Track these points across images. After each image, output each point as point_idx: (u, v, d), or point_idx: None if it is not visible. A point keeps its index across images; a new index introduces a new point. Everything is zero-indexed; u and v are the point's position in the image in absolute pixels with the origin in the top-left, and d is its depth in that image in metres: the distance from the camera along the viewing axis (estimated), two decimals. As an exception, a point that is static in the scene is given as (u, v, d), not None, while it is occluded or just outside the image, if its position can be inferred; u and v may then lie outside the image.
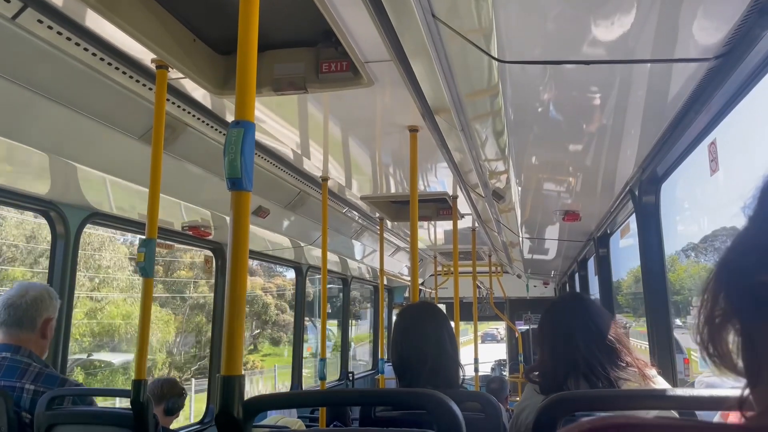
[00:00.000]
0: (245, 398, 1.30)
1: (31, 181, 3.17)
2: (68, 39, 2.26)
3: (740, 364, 0.60)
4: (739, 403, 0.59)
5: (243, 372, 1.32)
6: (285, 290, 32.92)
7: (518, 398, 7.58)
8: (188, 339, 27.78)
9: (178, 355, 26.64)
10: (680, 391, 1.20)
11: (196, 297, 28.59)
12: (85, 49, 2.35)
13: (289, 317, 31.77)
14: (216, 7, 2.29)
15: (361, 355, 14.67)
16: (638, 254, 3.62)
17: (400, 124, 3.27)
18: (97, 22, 2.22)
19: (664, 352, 3.27)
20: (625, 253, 5.65)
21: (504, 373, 13.19)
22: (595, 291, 6.68)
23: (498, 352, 18.16)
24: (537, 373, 2.13)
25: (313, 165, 4.26)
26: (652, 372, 1.97)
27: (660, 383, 1.97)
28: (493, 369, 14.42)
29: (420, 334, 2.32)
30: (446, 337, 2.34)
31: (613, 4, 1.71)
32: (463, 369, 2.40)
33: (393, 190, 5.08)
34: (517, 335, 11.37)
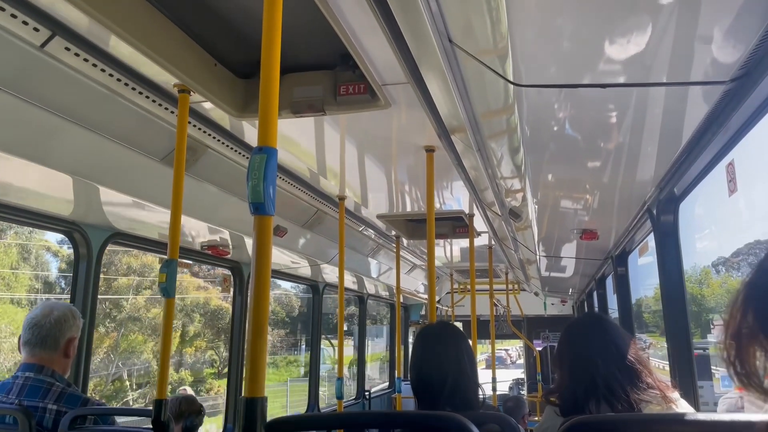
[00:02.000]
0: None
1: (56, 202, 3.24)
2: (94, 65, 2.33)
3: (767, 383, 0.60)
4: (766, 428, 0.58)
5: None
6: None
7: (537, 418, 7.49)
8: (121, 363, 23.29)
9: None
10: (702, 416, 1.19)
11: (130, 309, 23.94)
12: (110, 75, 2.41)
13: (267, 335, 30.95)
14: (236, 32, 2.34)
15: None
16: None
17: (416, 144, 3.30)
18: (121, 49, 2.29)
19: (685, 374, 3.23)
20: (645, 270, 5.59)
21: (522, 392, 13.04)
22: (614, 309, 6.62)
23: (508, 378, 17.25)
24: (556, 394, 2.12)
25: (330, 184, 4.30)
26: (675, 395, 1.93)
27: (683, 407, 1.93)
28: (511, 388, 14.24)
29: (439, 355, 2.32)
30: (465, 357, 2.33)
31: (628, 27, 1.73)
32: (482, 389, 2.39)
33: (409, 209, 5.10)
34: (535, 354, 11.25)
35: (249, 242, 4.76)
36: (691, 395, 3.16)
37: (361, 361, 9.46)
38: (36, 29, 2.05)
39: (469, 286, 6.31)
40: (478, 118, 2.61)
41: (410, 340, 12.04)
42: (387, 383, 11.61)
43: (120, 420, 2.90)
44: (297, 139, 3.32)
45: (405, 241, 6.58)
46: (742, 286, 0.63)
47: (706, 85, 2.00)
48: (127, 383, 23.77)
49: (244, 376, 1.34)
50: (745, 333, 0.61)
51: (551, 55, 1.97)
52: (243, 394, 1.29)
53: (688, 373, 3.23)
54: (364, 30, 2.03)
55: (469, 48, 1.94)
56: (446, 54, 2.00)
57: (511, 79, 2.03)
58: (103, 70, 2.37)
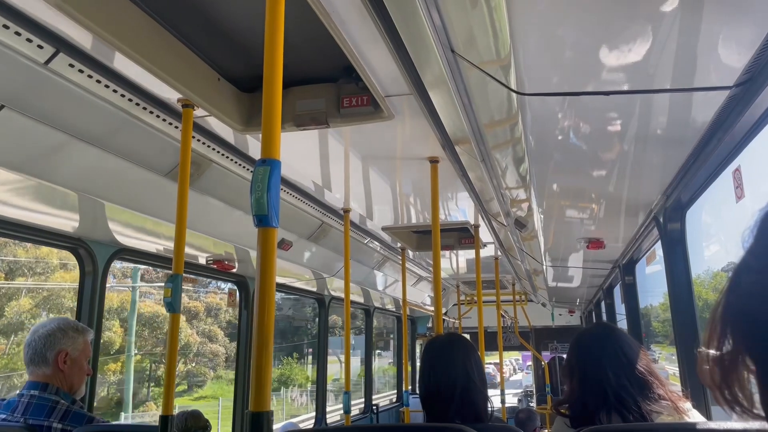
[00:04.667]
0: (272, 434, 1.30)
1: (62, 219, 3.24)
2: (98, 81, 2.34)
3: (758, 405, 0.56)
4: None
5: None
6: (219, 310, 25.53)
7: (546, 430, 7.42)
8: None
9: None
10: (713, 425, 1.17)
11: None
12: (114, 91, 2.42)
13: (219, 347, 25.09)
14: (240, 47, 2.35)
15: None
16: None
17: (420, 156, 3.30)
18: (125, 65, 2.30)
19: (696, 383, 3.19)
20: (653, 279, 5.55)
21: (531, 404, 12.93)
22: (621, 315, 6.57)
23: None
24: (567, 405, 2.09)
25: (334, 197, 4.30)
26: (687, 405, 1.91)
27: (695, 417, 1.91)
28: (520, 401, 14.13)
29: (447, 366, 2.30)
30: (474, 368, 2.31)
31: (631, 34, 1.73)
32: (490, 401, 2.37)
33: (414, 220, 5.09)
34: (543, 365, 11.16)
35: (254, 256, 4.76)
36: (702, 405, 3.12)
37: (368, 375, 9.40)
38: (40, 46, 2.06)
39: (475, 298, 6.28)
40: (482, 128, 2.61)
41: (417, 352, 11.98)
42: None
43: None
44: (301, 152, 3.32)
45: (411, 253, 6.56)
46: (718, 302, 0.60)
47: (711, 91, 1.99)
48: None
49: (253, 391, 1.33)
50: (727, 355, 0.58)
51: (554, 64, 1.97)
52: (249, 408, 1.28)
53: (698, 382, 3.19)
54: (366, 42, 2.04)
55: (471, 58, 1.94)
56: (449, 64, 2.00)
57: (514, 88, 2.03)
58: (107, 86, 2.38)
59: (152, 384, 24.29)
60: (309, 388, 26.17)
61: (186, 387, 24.85)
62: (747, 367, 0.57)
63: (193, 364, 24.90)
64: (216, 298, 25.26)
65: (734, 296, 0.59)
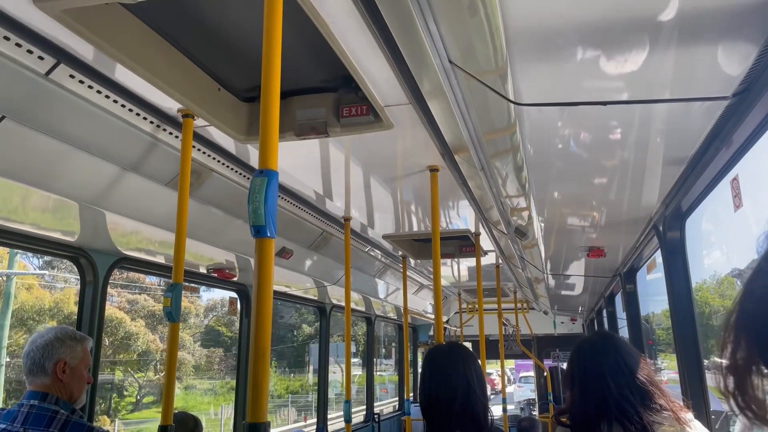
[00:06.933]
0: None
1: (63, 228, 3.25)
2: (98, 92, 2.35)
3: None
4: None
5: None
6: (189, 314, 24.65)
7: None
8: None
9: None
10: (712, 436, 1.17)
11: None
12: (115, 101, 2.44)
13: (187, 354, 24.22)
14: (239, 57, 2.36)
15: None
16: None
17: (420, 164, 3.31)
18: (125, 75, 2.31)
19: (696, 392, 3.17)
20: (654, 286, 5.54)
21: (534, 413, 12.88)
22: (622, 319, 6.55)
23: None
24: (567, 415, 2.08)
25: (335, 206, 4.31)
26: (688, 416, 1.90)
27: (697, 428, 1.90)
28: (522, 409, 14.07)
29: (448, 375, 2.29)
30: (474, 377, 2.31)
31: (628, 44, 1.74)
32: (490, 410, 2.36)
33: (415, 229, 5.09)
34: (545, 373, 11.12)
35: (255, 265, 4.76)
36: (703, 415, 3.10)
37: (369, 384, 9.37)
38: (41, 57, 2.08)
39: (477, 306, 6.27)
40: (480, 138, 2.62)
41: (419, 361, 11.95)
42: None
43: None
44: (302, 161, 3.33)
45: (412, 261, 6.56)
46: (732, 309, 0.60)
47: (709, 101, 2.00)
48: None
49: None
50: (741, 362, 0.58)
51: (551, 74, 1.97)
52: (246, 419, 1.28)
53: (699, 391, 3.17)
54: (365, 52, 2.05)
55: (469, 68, 1.95)
56: (447, 75, 2.01)
57: (512, 98, 2.04)
58: (107, 97, 2.40)
59: (114, 395, 23.37)
60: (289, 399, 25.68)
61: (153, 399, 23.66)
62: (761, 374, 0.56)
63: (162, 374, 23.28)
64: (186, 301, 23.45)
65: (749, 303, 0.59)
